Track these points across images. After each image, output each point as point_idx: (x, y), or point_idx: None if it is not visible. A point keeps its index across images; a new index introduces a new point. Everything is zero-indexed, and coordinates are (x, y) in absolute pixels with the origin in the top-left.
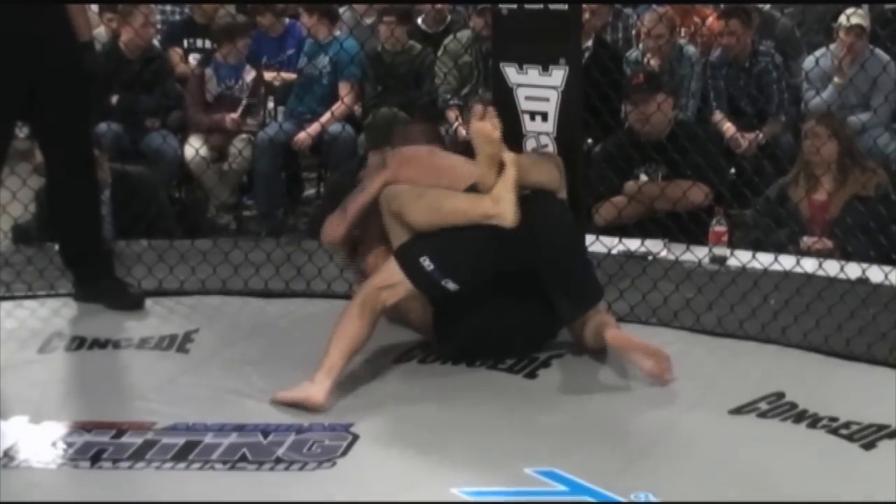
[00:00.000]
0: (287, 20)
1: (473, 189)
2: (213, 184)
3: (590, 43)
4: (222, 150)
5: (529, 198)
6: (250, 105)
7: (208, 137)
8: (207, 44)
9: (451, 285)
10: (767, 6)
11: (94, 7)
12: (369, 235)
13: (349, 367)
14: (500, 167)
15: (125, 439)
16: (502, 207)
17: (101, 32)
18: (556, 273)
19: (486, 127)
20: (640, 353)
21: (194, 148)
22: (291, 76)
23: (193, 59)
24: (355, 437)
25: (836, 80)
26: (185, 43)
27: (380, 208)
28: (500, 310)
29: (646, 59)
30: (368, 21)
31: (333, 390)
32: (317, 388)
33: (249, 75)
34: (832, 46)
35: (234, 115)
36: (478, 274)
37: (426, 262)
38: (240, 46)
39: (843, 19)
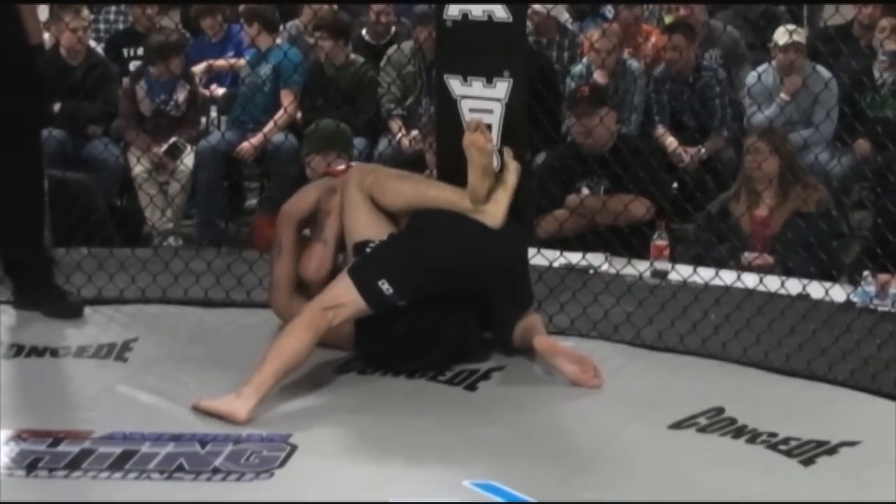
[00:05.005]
0: (227, 25)
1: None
2: (149, 202)
3: None
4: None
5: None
6: (175, 146)
7: (148, 152)
8: None
9: (402, 303)
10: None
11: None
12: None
13: (288, 377)
14: (493, 180)
15: (62, 448)
16: (494, 207)
17: (45, 39)
18: (504, 291)
19: (479, 139)
20: (565, 359)
21: (136, 157)
22: (226, 64)
23: (133, 66)
24: (293, 448)
25: (782, 95)
26: (126, 52)
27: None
28: (422, 316)
29: (591, 73)
30: (311, 40)
31: (258, 407)
32: (241, 404)
33: (182, 93)
34: (773, 62)
35: (159, 150)
36: (431, 291)
37: (385, 286)
38: (173, 66)
39: (777, 37)
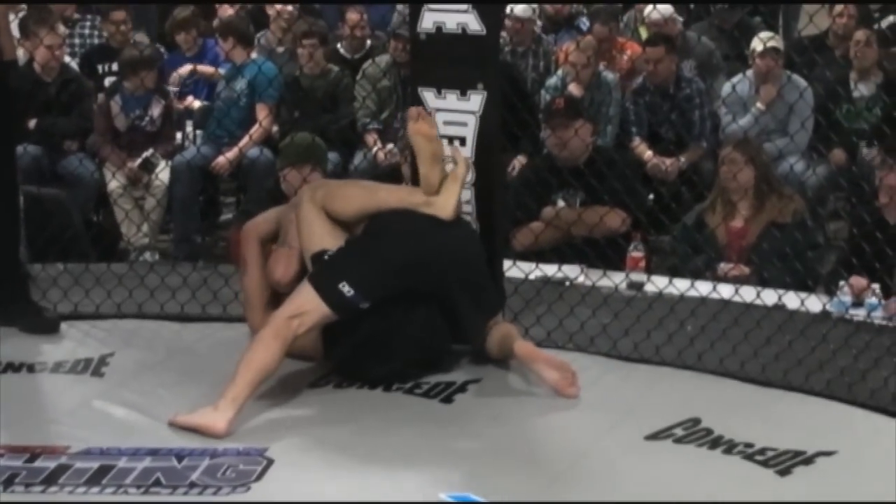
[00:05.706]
0: (202, 40)
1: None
2: (125, 217)
3: None
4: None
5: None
6: (148, 160)
7: (123, 167)
8: None
9: (364, 304)
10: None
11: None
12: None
13: (264, 391)
14: (443, 167)
15: (38, 463)
16: (444, 198)
17: (19, 55)
18: (464, 287)
19: (423, 126)
20: (546, 365)
21: (111, 172)
22: (209, 70)
23: (108, 82)
24: (270, 462)
25: (758, 105)
26: (101, 68)
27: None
28: (386, 317)
29: (566, 85)
30: (281, 49)
31: (235, 420)
32: (219, 416)
33: (157, 108)
34: (748, 72)
35: (133, 165)
36: (392, 290)
37: (346, 289)
38: (146, 80)
39: (755, 44)
